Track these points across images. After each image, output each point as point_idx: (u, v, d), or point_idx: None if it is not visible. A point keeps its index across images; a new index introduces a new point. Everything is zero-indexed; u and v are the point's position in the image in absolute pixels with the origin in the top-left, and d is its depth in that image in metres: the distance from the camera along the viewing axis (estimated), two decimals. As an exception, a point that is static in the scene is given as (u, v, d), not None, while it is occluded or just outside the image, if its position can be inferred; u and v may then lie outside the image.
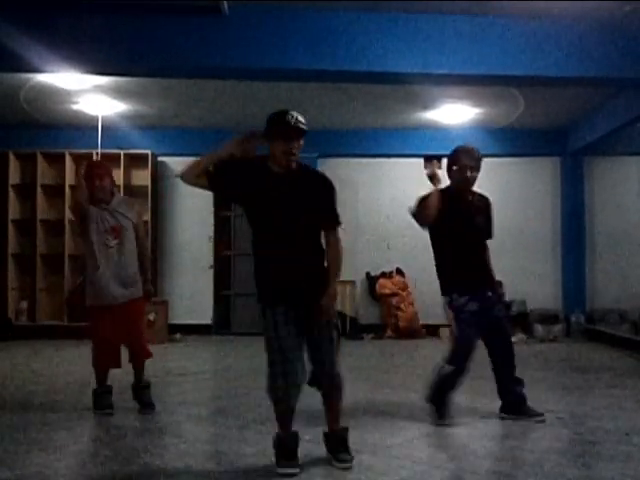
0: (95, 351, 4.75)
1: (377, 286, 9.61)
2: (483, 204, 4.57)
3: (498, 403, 4.72)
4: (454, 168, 4.39)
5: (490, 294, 4.50)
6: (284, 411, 3.42)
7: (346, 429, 3.51)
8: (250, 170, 3.41)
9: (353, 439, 3.61)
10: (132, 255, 4.76)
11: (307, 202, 3.40)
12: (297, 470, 3.33)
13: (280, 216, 3.36)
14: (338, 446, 3.46)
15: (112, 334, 4.66)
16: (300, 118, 3.33)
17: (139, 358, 4.80)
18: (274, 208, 3.37)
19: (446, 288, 4.42)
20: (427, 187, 4.54)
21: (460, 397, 4.94)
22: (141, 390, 4.78)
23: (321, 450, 3.61)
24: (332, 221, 3.46)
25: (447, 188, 4.43)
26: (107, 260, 4.65)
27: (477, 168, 4.38)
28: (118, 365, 4.76)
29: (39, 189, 9.33)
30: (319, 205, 3.42)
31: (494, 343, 4.45)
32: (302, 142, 3.38)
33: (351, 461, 3.41)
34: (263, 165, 3.42)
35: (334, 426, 3.50)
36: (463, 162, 4.35)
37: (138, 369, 4.81)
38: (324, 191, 3.46)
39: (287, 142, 3.32)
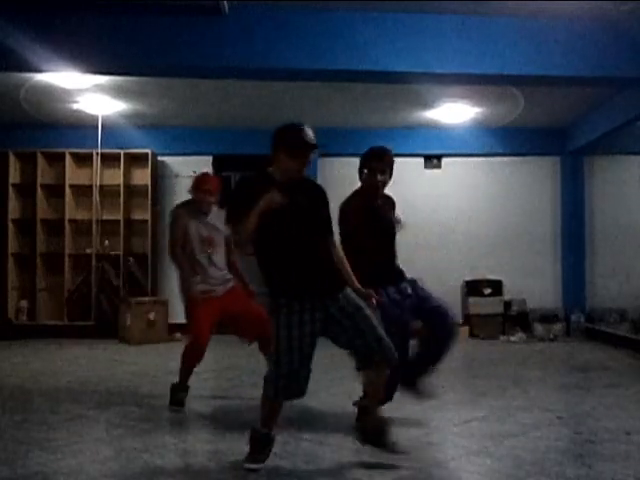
0: (189, 347, 4.88)
1: (377, 285, 9.60)
2: (390, 205, 4.43)
3: (498, 403, 4.72)
4: (364, 171, 4.27)
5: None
6: (276, 410, 3.46)
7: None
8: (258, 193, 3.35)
9: (353, 438, 3.64)
10: (221, 265, 4.97)
11: (309, 208, 3.46)
12: (262, 465, 3.37)
13: (289, 222, 3.37)
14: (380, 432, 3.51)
15: (212, 324, 4.85)
16: (311, 133, 3.39)
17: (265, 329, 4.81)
18: (283, 216, 3.34)
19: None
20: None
21: (459, 396, 4.94)
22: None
23: (321, 450, 3.62)
24: (328, 230, 3.55)
25: (361, 191, 4.27)
26: (201, 267, 4.85)
27: (385, 171, 4.26)
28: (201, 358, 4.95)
29: (39, 189, 9.31)
30: (319, 211, 3.51)
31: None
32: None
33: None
34: (266, 180, 3.41)
35: (377, 400, 3.55)
36: (372, 165, 4.23)
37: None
38: (322, 198, 3.57)
39: (302, 159, 3.38)
